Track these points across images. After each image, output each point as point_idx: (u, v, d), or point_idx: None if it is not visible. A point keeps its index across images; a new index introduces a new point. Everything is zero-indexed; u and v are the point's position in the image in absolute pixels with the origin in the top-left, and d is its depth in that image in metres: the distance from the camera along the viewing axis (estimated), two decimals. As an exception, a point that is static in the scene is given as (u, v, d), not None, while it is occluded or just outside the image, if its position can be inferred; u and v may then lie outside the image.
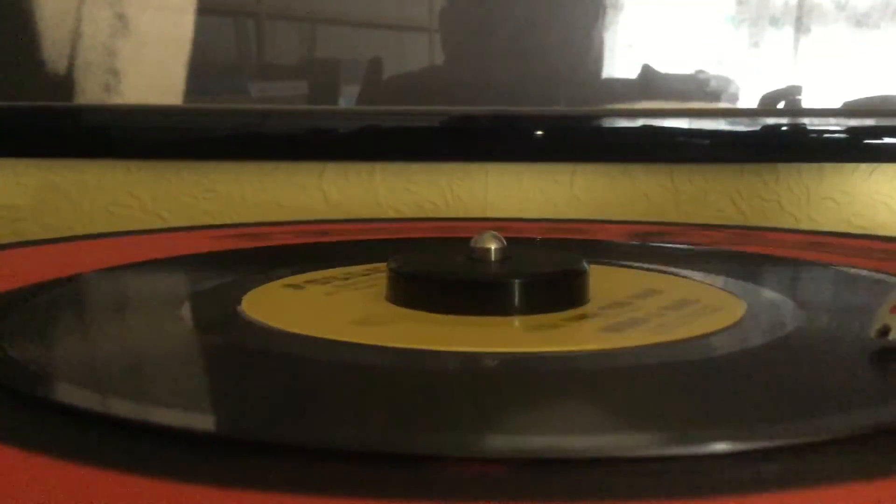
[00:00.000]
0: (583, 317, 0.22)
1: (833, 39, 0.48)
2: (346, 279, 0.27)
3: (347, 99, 0.49)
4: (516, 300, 0.22)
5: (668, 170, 0.50)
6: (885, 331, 0.18)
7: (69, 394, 0.17)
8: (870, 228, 0.50)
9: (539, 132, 0.49)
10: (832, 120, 0.48)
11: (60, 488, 0.12)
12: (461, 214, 0.50)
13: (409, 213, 0.50)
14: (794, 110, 0.48)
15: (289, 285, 0.26)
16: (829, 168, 0.50)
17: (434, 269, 0.24)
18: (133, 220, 0.50)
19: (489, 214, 0.50)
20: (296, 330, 0.21)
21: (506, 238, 0.24)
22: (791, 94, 0.48)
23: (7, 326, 0.21)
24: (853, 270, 0.29)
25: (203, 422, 0.15)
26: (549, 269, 0.24)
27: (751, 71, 0.48)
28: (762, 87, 0.48)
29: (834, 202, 0.50)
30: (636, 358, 0.19)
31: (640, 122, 0.48)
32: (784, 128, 0.48)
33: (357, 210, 0.50)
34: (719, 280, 0.27)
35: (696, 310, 0.23)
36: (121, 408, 0.16)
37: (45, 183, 0.50)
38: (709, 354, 0.20)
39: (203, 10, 0.48)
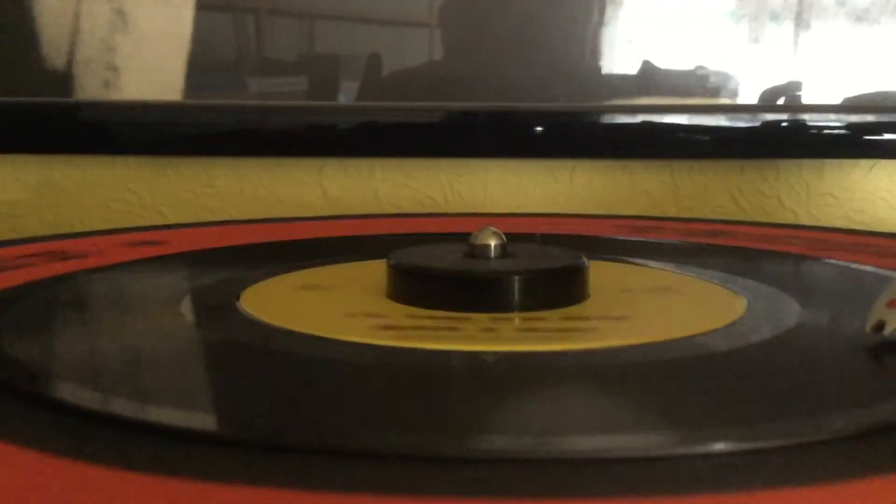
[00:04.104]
0: (583, 314, 0.22)
1: (833, 35, 0.48)
2: (346, 275, 0.27)
3: (347, 95, 0.49)
4: (516, 296, 0.22)
5: (668, 166, 0.50)
6: (880, 326, 0.18)
7: (67, 391, 0.17)
8: (869, 224, 0.50)
9: (539, 128, 0.48)
10: (832, 116, 0.48)
11: (58, 485, 0.12)
12: (461, 210, 0.50)
13: (408, 209, 0.50)
14: (794, 106, 0.48)
15: (288, 281, 0.26)
16: (829, 164, 0.50)
17: (433, 266, 0.24)
18: (132, 216, 0.50)
19: (489, 210, 0.50)
20: (294, 327, 0.21)
21: (506, 234, 0.24)
22: (791, 90, 0.48)
23: (6, 323, 0.21)
24: (852, 266, 0.29)
25: (200, 420, 0.15)
26: (549, 266, 0.24)
27: (751, 67, 0.48)
28: (762, 83, 0.48)
29: (834, 198, 0.50)
30: (636, 356, 0.19)
31: (639, 118, 0.48)
32: (784, 124, 0.48)
33: (356, 206, 0.50)
34: (719, 276, 0.27)
35: (697, 307, 0.23)
36: (119, 405, 0.16)
37: (44, 179, 0.50)
38: (708, 352, 0.20)
39: (202, 6, 0.48)
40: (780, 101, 0.49)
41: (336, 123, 0.49)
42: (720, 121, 0.48)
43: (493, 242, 0.24)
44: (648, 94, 0.48)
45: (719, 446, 0.14)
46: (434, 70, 0.49)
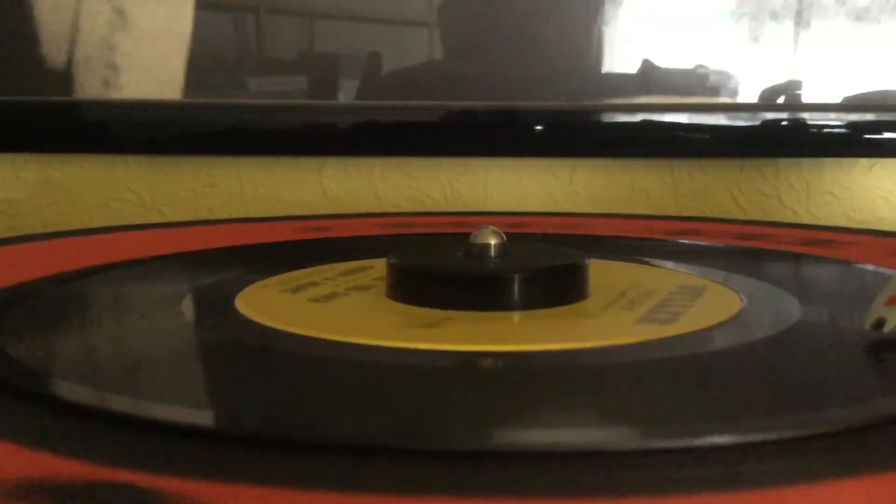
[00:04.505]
0: (583, 312, 0.22)
1: (833, 34, 0.48)
2: (345, 275, 0.27)
3: (347, 94, 0.49)
4: (516, 295, 0.22)
5: (668, 165, 0.50)
6: (879, 323, 0.18)
7: (67, 390, 0.17)
8: (869, 223, 0.50)
9: (539, 127, 0.48)
10: (832, 115, 0.48)
11: (59, 483, 0.12)
12: (461, 209, 0.50)
13: (408, 208, 0.50)
14: (794, 105, 0.48)
15: (285, 282, 0.26)
16: (829, 163, 0.50)
17: (434, 265, 0.24)
18: (132, 215, 0.50)
19: (489, 209, 0.50)
20: (293, 327, 0.21)
21: (505, 234, 0.24)
22: (791, 88, 0.48)
23: (5, 322, 0.21)
24: (852, 264, 0.29)
25: (198, 417, 0.15)
26: (549, 264, 0.24)
27: (751, 66, 0.48)
28: (762, 82, 0.48)
29: (834, 197, 0.50)
30: (636, 353, 0.19)
31: (639, 117, 0.48)
32: (784, 123, 0.48)
33: (356, 205, 0.50)
34: (718, 275, 0.27)
35: (695, 304, 0.23)
36: (118, 404, 0.16)
37: (43, 178, 0.50)
38: (708, 350, 0.20)
39: (202, 5, 0.48)
40: (780, 100, 0.49)
41: (336, 122, 0.49)
42: (720, 120, 0.48)
43: (493, 242, 0.24)
44: (648, 93, 0.48)
45: (717, 441, 0.14)
46: (434, 69, 0.49)
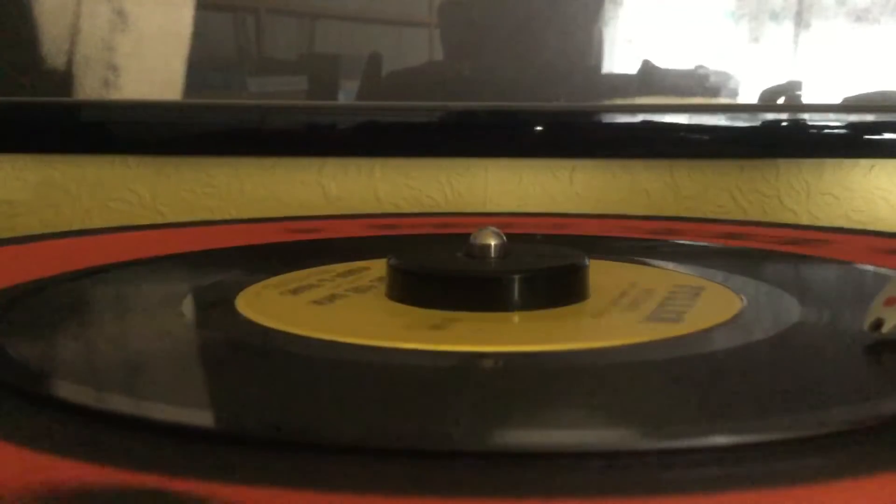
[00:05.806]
0: (583, 313, 0.22)
1: (833, 35, 0.48)
2: (345, 276, 0.27)
3: (347, 94, 0.49)
4: (516, 296, 0.22)
5: (668, 165, 0.50)
6: (878, 324, 0.18)
7: (66, 390, 0.17)
8: (869, 224, 0.50)
9: (539, 127, 0.48)
10: (832, 115, 0.48)
11: (58, 484, 0.12)
12: (461, 210, 0.50)
13: (408, 209, 0.50)
14: (794, 106, 0.48)
15: (286, 282, 0.26)
16: (829, 164, 0.50)
17: (434, 266, 0.24)
18: (132, 216, 0.50)
19: (489, 210, 0.50)
20: (293, 327, 0.21)
21: (505, 234, 0.24)
22: (791, 89, 0.48)
23: (6, 323, 0.21)
24: (851, 265, 0.29)
25: (199, 418, 0.15)
26: (550, 265, 0.24)
27: (751, 66, 0.48)
28: (762, 83, 0.48)
29: (834, 197, 0.50)
30: (636, 354, 0.19)
31: (639, 118, 0.48)
32: (784, 123, 0.48)
33: (356, 205, 0.50)
34: (717, 275, 0.27)
35: (695, 305, 0.23)
36: (118, 404, 0.16)
37: (44, 178, 0.50)
38: (708, 351, 0.20)
39: (202, 6, 0.48)
40: (780, 101, 0.49)
41: (336, 123, 0.49)
42: (720, 120, 0.48)
43: (493, 242, 0.24)
44: (648, 93, 0.48)
45: (717, 442, 0.14)
46: (434, 70, 0.49)
